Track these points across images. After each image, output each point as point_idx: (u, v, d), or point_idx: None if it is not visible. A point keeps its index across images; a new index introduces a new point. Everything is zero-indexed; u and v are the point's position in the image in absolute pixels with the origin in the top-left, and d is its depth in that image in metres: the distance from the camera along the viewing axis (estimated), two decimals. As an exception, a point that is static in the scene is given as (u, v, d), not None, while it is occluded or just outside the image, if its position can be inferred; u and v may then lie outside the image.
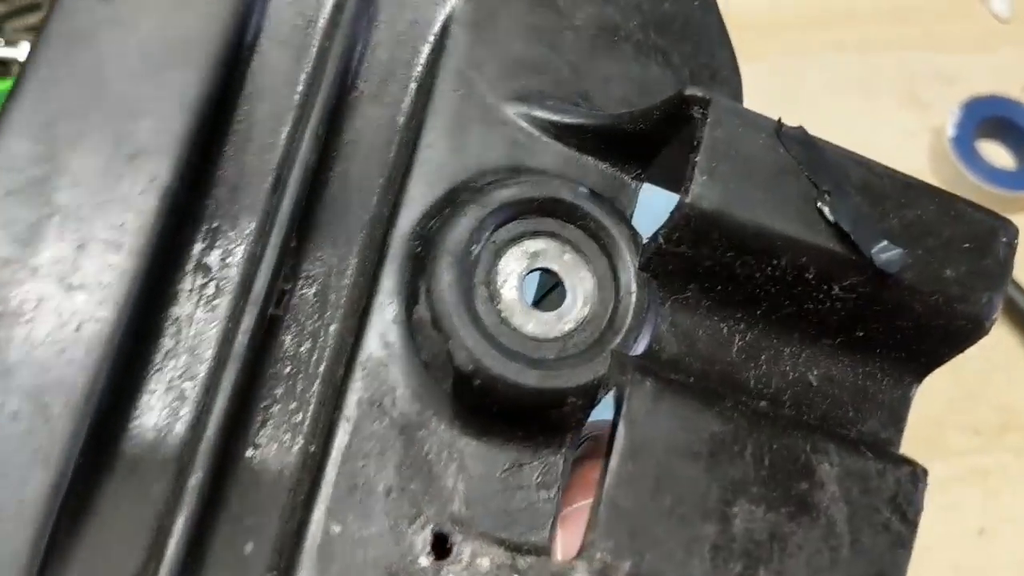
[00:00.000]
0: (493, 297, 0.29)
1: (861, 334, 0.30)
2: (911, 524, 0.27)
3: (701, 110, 0.28)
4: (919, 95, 0.66)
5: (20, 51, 0.57)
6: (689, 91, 0.28)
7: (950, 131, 0.64)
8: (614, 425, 0.26)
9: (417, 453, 0.28)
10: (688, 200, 0.27)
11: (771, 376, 0.30)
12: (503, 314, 0.29)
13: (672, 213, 0.28)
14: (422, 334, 0.29)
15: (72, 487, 0.26)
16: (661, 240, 0.28)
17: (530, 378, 0.28)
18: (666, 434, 0.26)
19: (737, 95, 0.35)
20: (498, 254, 0.29)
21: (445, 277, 0.28)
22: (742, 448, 0.26)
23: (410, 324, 0.29)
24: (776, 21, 0.63)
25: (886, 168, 0.29)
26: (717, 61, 0.35)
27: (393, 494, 0.28)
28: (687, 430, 0.26)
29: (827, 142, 0.29)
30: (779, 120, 0.28)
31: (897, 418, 0.30)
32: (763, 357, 0.30)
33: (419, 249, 0.29)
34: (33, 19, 0.56)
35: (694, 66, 0.34)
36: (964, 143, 0.64)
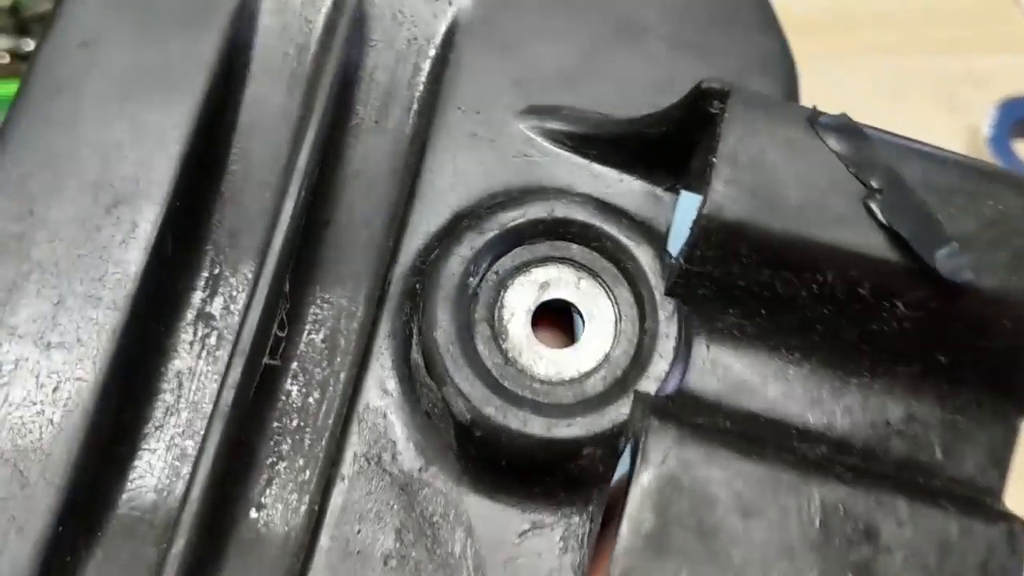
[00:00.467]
0: (498, 335, 0.26)
1: (944, 359, 0.24)
2: None
3: (720, 104, 0.24)
4: (954, 97, 0.66)
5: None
6: (706, 84, 0.24)
7: (986, 131, 0.64)
8: (628, 481, 0.22)
9: (420, 515, 0.25)
10: (705, 211, 0.23)
11: (835, 415, 0.25)
12: (509, 354, 0.26)
13: (691, 228, 0.24)
14: (419, 381, 0.26)
15: (57, 554, 0.24)
16: (682, 260, 0.24)
17: (536, 427, 0.24)
18: (690, 491, 0.22)
19: (790, 86, 0.30)
20: (502, 285, 0.26)
21: (437, 316, 0.25)
22: (784, 506, 0.22)
23: (408, 370, 0.26)
24: (809, 24, 0.64)
25: (957, 156, 0.24)
26: (763, 50, 0.30)
27: (392, 562, 0.25)
28: (717, 485, 0.22)
29: (878, 130, 0.24)
30: (814, 108, 0.24)
31: (998, 459, 0.25)
32: (824, 392, 0.25)
33: (417, 285, 0.27)
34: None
35: (736, 58, 0.30)
36: (1000, 143, 0.64)
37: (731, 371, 0.25)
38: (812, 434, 0.24)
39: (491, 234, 0.26)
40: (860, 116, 0.24)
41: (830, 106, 0.23)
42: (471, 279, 0.26)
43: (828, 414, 0.25)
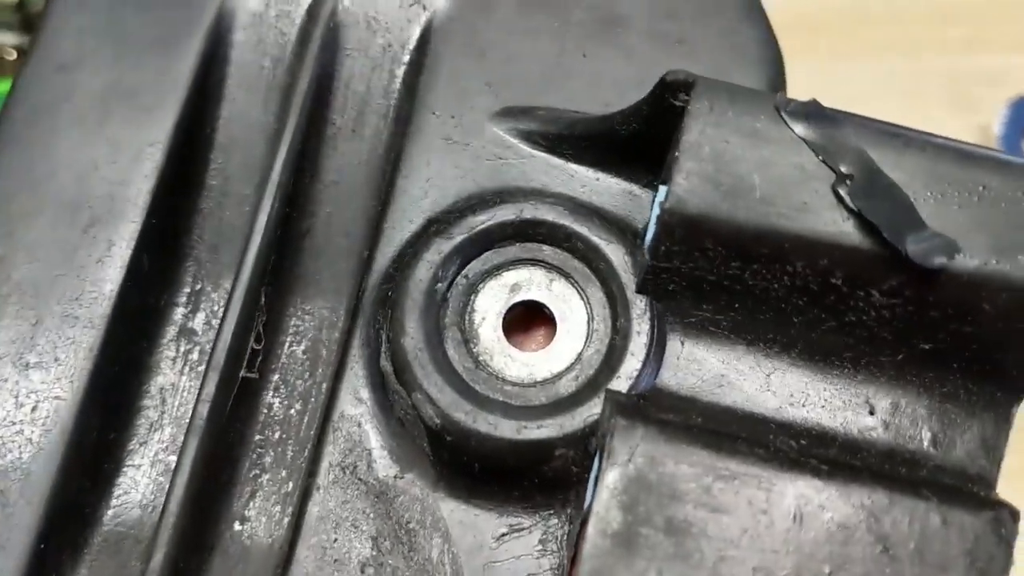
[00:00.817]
0: (468, 340, 0.25)
1: (927, 347, 0.24)
2: None
3: (686, 96, 0.23)
4: (965, 95, 0.67)
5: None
6: (671, 76, 0.24)
7: (997, 129, 0.65)
8: (594, 482, 0.22)
9: (396, 522, 0.25)
10: (667, 205, 0.23)
11: (816, 407, 0.24)
12: (480, 358, 0.25)
13: (655, 223, 0.23)
14: (391, 388, 0.25)
15: (41, 571, 0.25)
16: (648, 256, 0.24)
17: (506, 430, 0.24)
18: (657, 488, 0.21)
19: (775, 75, 0.30)
20: (473, 290, 0.26)
21: (405, 322, 0.25)
22: (755, 500, 0.21)
23: (381, 378, 0.26)
24: (821, 22, 0.65)
25: (936, 138, 0.23)
26: (744, 39, 0.30)
27: (369, 569, 0.25)
28: (684, 481, 0.21)
29: (851, 115, 0.23)
30: (780, 95, 0.23)
31: (990, 446, 0.24)
32: (805, 385, 0.24)
33: (389, 292, 0.26)
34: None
35: (719, 50, 0.30)
36: (1012, 141, 0.65)
37: (706, 366, 0.24)
38: (791, 428, 0.24)
39: (460, 238, 0.26)
40: (873, 114, 0.23)
41: (839, 105, 0.23)
42: (440, 284, 0.26)
43: (808, 407, 0.24)
